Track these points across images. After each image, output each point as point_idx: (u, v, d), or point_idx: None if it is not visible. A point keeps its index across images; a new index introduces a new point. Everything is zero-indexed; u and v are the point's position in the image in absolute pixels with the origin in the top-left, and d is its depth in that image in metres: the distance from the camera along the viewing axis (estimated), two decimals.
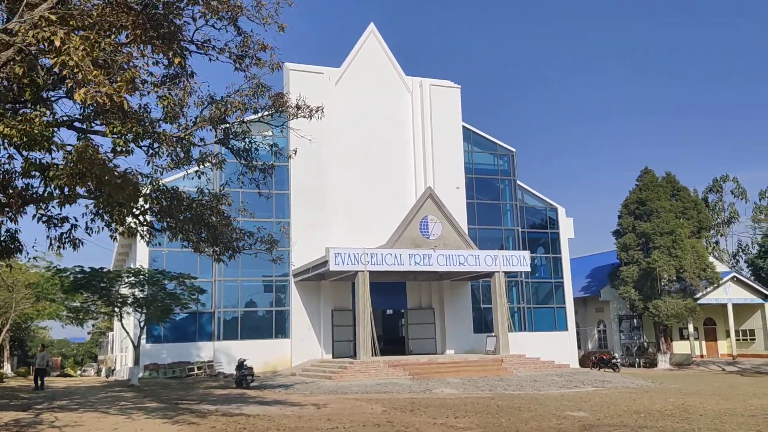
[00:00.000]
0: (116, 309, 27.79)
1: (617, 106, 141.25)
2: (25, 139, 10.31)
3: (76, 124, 14.13)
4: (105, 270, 27.06)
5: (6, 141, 10.36)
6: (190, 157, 14.80)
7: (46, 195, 11.75)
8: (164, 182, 15.07)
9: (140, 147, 14.10)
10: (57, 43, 7.53)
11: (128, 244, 36.90)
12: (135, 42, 10.66)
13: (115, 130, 12.57)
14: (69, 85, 8.19)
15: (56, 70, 8.12)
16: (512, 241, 39.63)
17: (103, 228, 15.21)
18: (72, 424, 13.65)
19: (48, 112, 12.70)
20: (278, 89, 16.19)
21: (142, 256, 31.97)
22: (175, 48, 10.83)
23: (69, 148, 10.68)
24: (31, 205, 13.56)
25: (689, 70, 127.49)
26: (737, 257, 57.53)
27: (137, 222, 15.24)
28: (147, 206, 14.09)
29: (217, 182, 30.76)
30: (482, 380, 26.30)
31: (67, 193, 11.36)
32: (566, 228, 41.60)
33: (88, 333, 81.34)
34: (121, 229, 15.39)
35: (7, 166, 12.90)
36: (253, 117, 16.19)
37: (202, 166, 14.52)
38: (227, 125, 15.72)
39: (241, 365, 26.17)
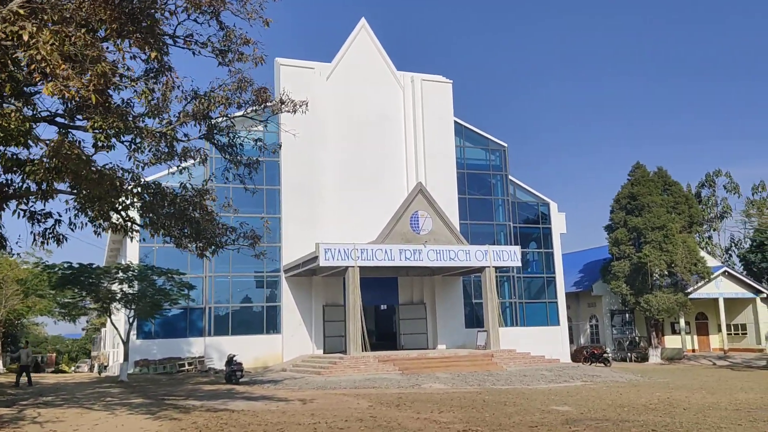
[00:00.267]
0: (105, 305, 27.72)
1: (611, 103, 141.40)
2: (1, 135, 10.26)
3: (59, 119, 14.10)
4: (94, 266, 26.96)
5: None
6: (173, 153, 14.75)
7: (23, 190, 11.67)
8: (150, 178, 15.08)
9: (122, 142, 14.07)
10: (25, 38, 7.48)
11: (119, 240, 36.84)
12: (112, 36, 10.59)
13: (96, 125, 12.51)
14: (37, 79, 8.15)
15: (24, 64, 8.06)
16: (504, 237, 39.64)
17: (86, 223, 15.18)
18: (54, 419, 13.62)
19: (26, 107, 12.66)
20: (269, 84, 16.10)
21: (132, 252, 31.90)
22: (151, 42, 10.74)
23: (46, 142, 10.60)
24: (13, 201, 13.53)
25: (682, 67, 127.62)
26: (730, 252, 57.70)
27: (120, 218, 15.21)
28: (128, 202, 14.02)
29: (208, 177, 30.82)
30: (471, 375, 26.34)
31: (44, 189, 11.29)
32: (558, 223, 41.63)
33: (83, 329, 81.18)
34: (105, 224, 15.38)
35: None
36: (240, 112, 16.14)
37: (184, 162, 14.44)
38: (211, 120, 15.69)
39: (230, 361, 26.13)
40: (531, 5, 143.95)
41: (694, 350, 45.21)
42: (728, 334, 44.54)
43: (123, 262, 30.47)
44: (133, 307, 27.67)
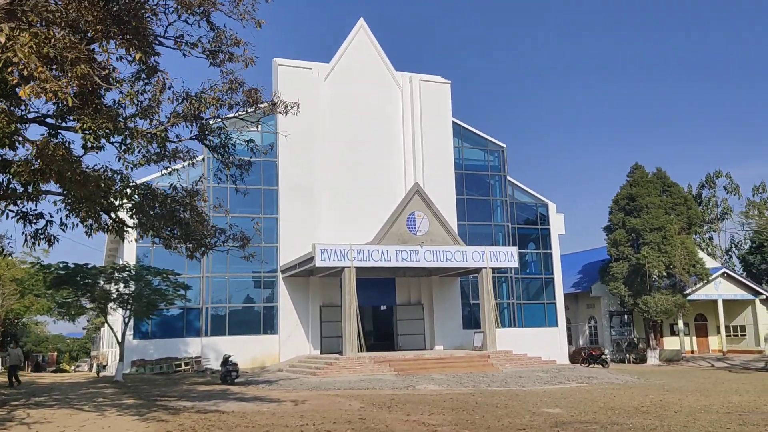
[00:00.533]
0: (101, 305, 27.74)
1: (611, 104, 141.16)
2: None
3: (49, 120, 14.09)
4: (89, 266, 26.98)
5: None
6: (165, 154, 14.74)
7: (9, 191, 11.67)
8: (144, 180, 15.06)
9: (111, 143, 14.06)
10: (2, 40, 7.48)
11: (117, 241, 36.85)
12: (98, 38, 10.58)
13: (85, 126, 12.51)
14: (14, 82, 8.16)
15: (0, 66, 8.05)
16: (502, 237, 39.59)
17: (77, 224, 15.18)
18: (42, 420, 13.63)
19: (17, 108, 12.65)
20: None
21: (129, 253, 31.94)
22: (136, 43, 10.73)
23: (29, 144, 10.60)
24: (2, 202, 13.54)
25: (683, 69, 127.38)
26: (730, 253, 57.55)
27: (110, 218, 15.21)
28: (117, 202, 14.01)
29: (201, 178, 30.82)
30: (467, 376, 26.31)
31: (30, 190, 11.29)
32: (557, 224, 41.57)
33: (83, 328, 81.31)
34: (95, 225, 15.37)
35: None
36: (232, 114, 16.12)
37: (173, 162, 14.42)
38: (203, 121, 15.67)
39: (226, 361, 26.13)
40: (530, 6, 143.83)
41: (693, 352, 45.11)
42: (727, 336, 44.44)
43: (121, 263, 30.50)
44: (129, 307, 27.68)
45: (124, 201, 14.40)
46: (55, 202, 13.55)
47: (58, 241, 15.11)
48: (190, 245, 15.02)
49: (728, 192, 56.80)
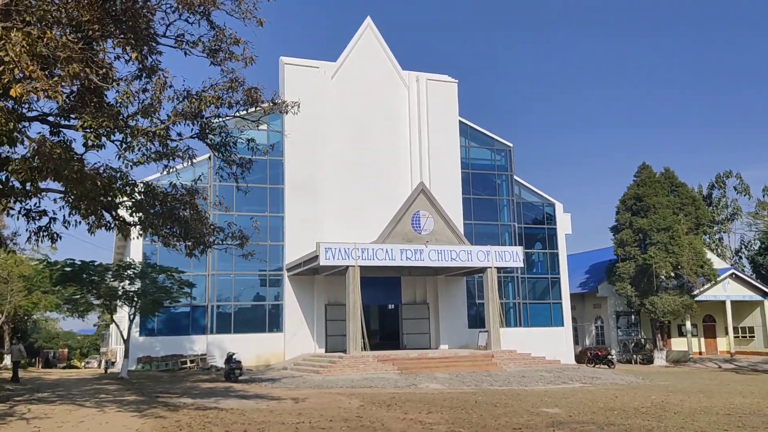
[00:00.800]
0: (106, 302, 27.95)
1: (620, 104, 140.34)
2: None
3: (50, 118, 14.22)
4: (95, 264, 27.17)
5: None
6: (166, 152, 14.84)
7: (8, 189, 11.80)
8: (149, 179, 15.14)
9: (112, 141, 14.18)
10: None
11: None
12: (95, 37, 10.67)
13: (86, 124, 12.62)
14: (6, 80, 8.25)
15: None
16: (509, 237, 39.51)
17: (80, 222, 15.31)
18: (41, 416, 13.76)
19: (17, 106, 12.78)
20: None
21: (136, 251, 32.13)
22: (132, 42, 10.81)
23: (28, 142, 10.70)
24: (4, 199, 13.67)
25: (694, 70, 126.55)
26: (740, 254, 57.09)
27: (111, 216, 15.33)
28: (117, 201, 14.12)
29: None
30: (470, 375, 26.29)
31: (28, 188, 11.40)
32: (564, 224, 41.46)
33: (94, 325, 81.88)
34: (97, 222, 15.49)
35: None
36: (233, 112, 16.19)
37: (173, 161, 14.51)
38: (204, 120, 15.76)
39: (229, 359, 26.29)
40: (538, 7, 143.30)
41: (701, 353, 44.80)
42: (735, 337, 44.10)
43: (127, 260, 30.70)
44: (134, 304, 27.88)
45: (124, 199, 14.51)
46: (55, 200, 13.68)
47: (61, 238, 15.27)
48: (189, 243, 15.11)
49: (738, 192, 56.32)
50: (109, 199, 13.73)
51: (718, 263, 43.44)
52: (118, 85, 11.38)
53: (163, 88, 14.25)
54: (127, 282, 27.53)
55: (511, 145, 40.78)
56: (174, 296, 28.81)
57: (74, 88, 12.99)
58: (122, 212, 15.18)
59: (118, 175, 13.83)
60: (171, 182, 15.19)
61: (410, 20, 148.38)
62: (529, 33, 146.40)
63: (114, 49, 11.04)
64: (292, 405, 16.83)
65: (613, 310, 44.49)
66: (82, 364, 66.42)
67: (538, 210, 41.62)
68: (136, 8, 11.62)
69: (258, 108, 16.24)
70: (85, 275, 26.51)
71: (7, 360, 45.58)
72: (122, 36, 10.80)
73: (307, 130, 35.24)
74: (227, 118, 16.30)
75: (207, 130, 16.14)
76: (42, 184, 12.58)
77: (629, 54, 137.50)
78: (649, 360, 40.70)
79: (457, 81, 39.87)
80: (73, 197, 13.27)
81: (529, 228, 40.84)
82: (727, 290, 42.77)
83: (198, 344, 33.09)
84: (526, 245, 38.97)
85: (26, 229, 14.33)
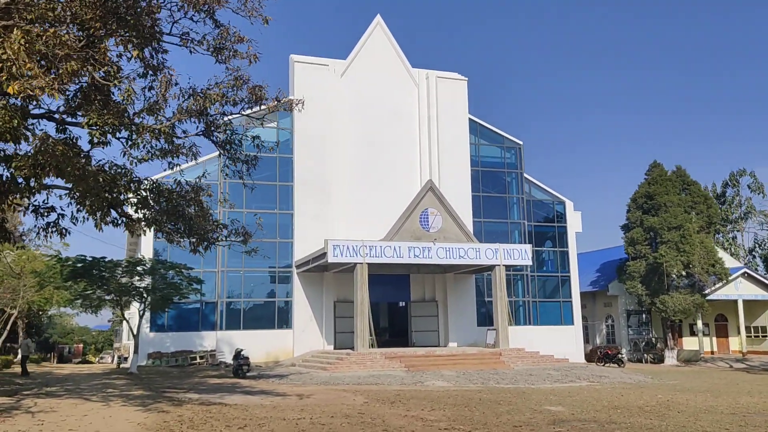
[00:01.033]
0: (116, 298, 28.23)
1: (632, 102, 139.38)
2: None
3: (56, 115, 14.39)
4: (106, 260, 27.45)
5: None
6: (171, 149, 14.98)
7: (12, 185, 11.97)
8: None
9: (117, 138, 14.33)
10: None
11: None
12: (97, 35, 10.79)
13: (91, 121, 12.78)
14: (4, 77, 8.38)
15: None
16: (519, 235, 39.43)
17: (87, 218, 15.49)
18: (47, 410, 13.94)
19: (25, 104, 12.94)
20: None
21: (147, 247, 32.39)
22: (134, 41, 10.93)
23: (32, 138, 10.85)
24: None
25: (703, 65, 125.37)
26: (753, 253, 56.59)
27: (117, 213, 15.49)
28: (122, 197, 14.28)
29: (220, 176, 31.15)
30: (477, 373, 26.29)
31: (33, 184, 11.56)
32: (574, 222, 41.29)
33: (108, 321, 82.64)
34: (103, 219, 15.66)
35: None
36: (238, 110, 16.30)
37: (177, 158, 14.64)
38: (209, 117, 15.89)
39: (237, 355, 26.47)
40: (549, 3, 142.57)
41: (713, 352, 44.51)
42: (748, 337, 43.75)
43: (138, 257, 30.97)
44: (144, 300, 28.14)
45: (130, 195, 14.66)
46: (61, 197, 13.85)
47: (69, 234, 15.48)
48: (194, 240, 15.24)
49: (752, 191, 55.80)
50: (114, 195, 13.85)
51: (731, 262, 43.10)
52: (120, 83, 11.49)
53: (169, 86, 14.41)
54: (137, 278, 27.78)
55: (521, 142, 40.68)
56: (183, 292, 29.06)
57: (79, 86, 13.16)
58: (128, 209, 15.33)
59: (123, 171, 13.95)
60: (176, 179, 15.32)
61: (420, 17, 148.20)
62: (540, 26, 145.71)
63: (116, 47, 11.16)
64: (296, 401, 16.94)
65: (623, 308, 44.28)
66: (97, 359, 67.06)
67: (548, 208, 41.48)
68: (139, 6, 11.72)
69: (263, 106, 16.36)
70: (95, 271, 26.81)
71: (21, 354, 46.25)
72: (125, 34, 10.90)
73: (316, 128, 35.43)
74: (233, 116, 16.43)
75: (212, 128, 16.30)
76: (46, 181, 12.74)
77: (640, 51, 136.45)
78: (660, 359, 40.47)
79: (466, 78, 39.83)
80: (78, 194, 13.43)
81: (539, 226, 40.73)
82: (740, 289, 42.44)
83: (208, 340, 33.32)
84: (536, 243, 38.88)
85: (35, 225, 14.47)
